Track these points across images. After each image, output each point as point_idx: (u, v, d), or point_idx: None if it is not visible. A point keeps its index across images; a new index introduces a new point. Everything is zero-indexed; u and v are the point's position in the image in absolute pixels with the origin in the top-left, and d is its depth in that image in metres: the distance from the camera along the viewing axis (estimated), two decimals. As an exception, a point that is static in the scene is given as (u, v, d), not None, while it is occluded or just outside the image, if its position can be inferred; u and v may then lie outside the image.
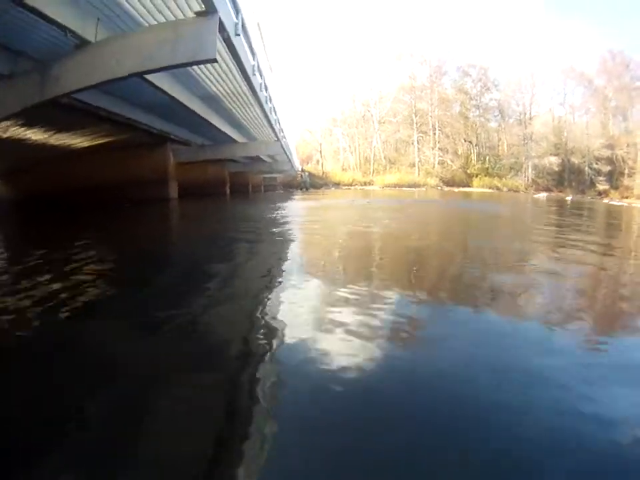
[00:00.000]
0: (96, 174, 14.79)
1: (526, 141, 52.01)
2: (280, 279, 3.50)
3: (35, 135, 11.36)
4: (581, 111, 52.84)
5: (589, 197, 42.40)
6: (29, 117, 8.84)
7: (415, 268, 4.22)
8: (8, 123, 8.75)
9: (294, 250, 5.23)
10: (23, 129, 10.39)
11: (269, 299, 2.88)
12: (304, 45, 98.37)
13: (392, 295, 2.91)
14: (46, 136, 11.77)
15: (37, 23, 5.80)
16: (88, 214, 11.56)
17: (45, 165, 14.42)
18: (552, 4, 74.39)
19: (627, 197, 41.63)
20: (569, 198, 35.54)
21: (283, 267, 4.03)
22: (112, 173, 15.04)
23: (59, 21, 5.59)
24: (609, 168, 48.45)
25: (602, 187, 47.80)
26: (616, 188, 46.78)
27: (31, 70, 6.78)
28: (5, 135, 10.29)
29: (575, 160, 50.31)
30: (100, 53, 6.77)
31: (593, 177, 49.39)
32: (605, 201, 36.92)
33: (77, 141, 13.46)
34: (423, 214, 11.88)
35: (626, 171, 47.34)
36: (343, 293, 2.90)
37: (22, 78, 6.76)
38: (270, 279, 3.59)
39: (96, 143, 14.02)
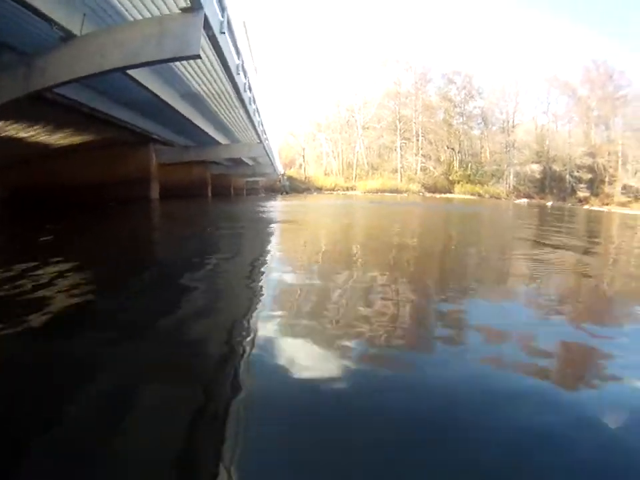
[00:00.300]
0: (79, 172, 14.61)
1: (508, 149, 53.10)
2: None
3: (18, 131, 11.22)
4: (563, 119, 54.02)
5: (569, 204, 43.66)
6: (13, 112, 8.72)
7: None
8: None
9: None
10: (6, 124, 10.22)
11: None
12: (289, 48, 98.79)
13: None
14: (30, 132, 11.61)
15: (23, 15, 5.79)
16: (71, 212, 11.40)
17: (29, 162, 14.18)
18: (538, 12, 76.87)
19: (607, 204, 42.95)
20: (549, 204, 36.75)
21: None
22: (94, 171, 14.87)
23: (46, 13, 5.60)
24: (590, 176, 49.55)
25: (582, 194, 48.81)
26: (596, 195, 47.93)
27: (16, 62, 6.74)
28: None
29: (557, 168, 51.51)
30: (85, 46, 6.78)
31: (574, 184, 50.44)
32: (585, 207, 38.16)
33: (60, 138, 13.28)
34: (404, 214, 12.12)
35: (607, 179, 48.43)
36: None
37: (7, 70, 6.71)
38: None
39: (79, 140, 13.87)
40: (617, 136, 48.95)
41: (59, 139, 13.18)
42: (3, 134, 11.03)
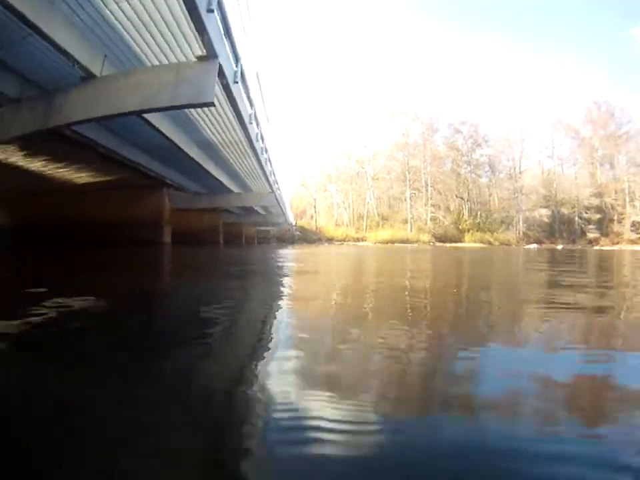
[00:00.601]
0: (91, 211, 15.06)
1: (516, 195, 53.59)
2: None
3: (34, 164, 11.67)
4: (569, 162, 55.00)
5: (579, 246, 43.08)
6: (31, 145, 9.13)
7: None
8: (10, 147, 9.00)
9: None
10: (23, 155, 10.64)
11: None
12: (301, 102, 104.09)
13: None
14: (46, 167, 12.11)
15: (47, 52, 6.23)
16: (77, 249, 11.51)
17: (41, 195, 14.65)
18: (539, 59, 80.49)
19: (617, 243, 42.30)
20: (559, 247, 36.32)
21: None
22: (107, 211, 15.29)
23: (69, 51, 6.01)
24: (598, 216, 49.55)
25: (592, 234, 48.55)
26: (606, 235, 47.61)
27: (37, 97, 7.15)
28: (5, 161, 10.51)
29: (565, 210, 51.64)
30: (104, 87, 7.18)
31: (583, 225, 50.37)
32: (596, 247, 37.51)
33: (75, 175, 13.85)
34: (414, 261, 11.90)
35: (615, 217, 48.41)
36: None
37: (28, 103, 7.11)
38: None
39: (94, 179, 14.39)
40: (622, 173, 49.50)
41: (74, 176, 13.72)
42: (19, 165, 11.44)
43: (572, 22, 71.53)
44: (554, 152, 55.56)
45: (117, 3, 6.01)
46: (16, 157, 10.69)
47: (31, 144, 8.38)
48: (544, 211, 52.04)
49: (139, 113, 8.38)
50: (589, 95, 72.95)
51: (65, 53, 6.01)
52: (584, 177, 52.56)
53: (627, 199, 48.18)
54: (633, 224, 46.04)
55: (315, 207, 58.08)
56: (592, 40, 69.09)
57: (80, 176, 14.06)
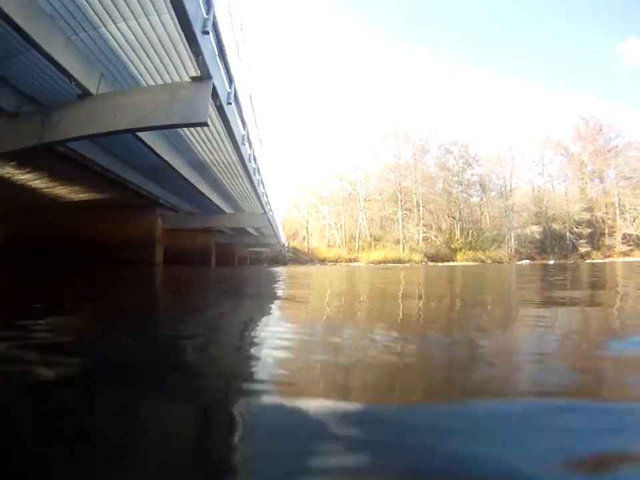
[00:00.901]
0: (82, 228, 15.01)
1: (507, 213, 54.31)
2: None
3: (27, 179, 11.64)
4: (559, 178, 55.80)
5: (571, 260, 43.39)
6: (26, 161, 9.16)
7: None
8: (3, 161, 9.02)
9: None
10: (17, 171, 10.64)
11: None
12: (293, 124, 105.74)
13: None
14: (38, 183, 12.09)
15: (47, 69, 6.38)
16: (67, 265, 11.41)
17: (33, 212, 14.56)
18: (525, 78, 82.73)
19: (609, 256, 42.65)
20: (551, 262, 36.69)
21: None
22: (99, 229, 15.26)
23: (67, 69, 6.15)
24: (589, 230, 50.23)
25: (584, 249, 49.08)
26: (598, 249, 48.16)
27: (34, 114, 7.26)
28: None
29: (556, 226, 52.29)
30: (100, 105, 7.32)
31: (574, 240, 50.95)
32: (588, 261, 37.84)
33: (68, 192, 13.80)
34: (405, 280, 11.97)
35: (606, 231, 49.03)
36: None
37: (25, 120, 7.21)
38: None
39: (86, 197, 14.38)
40: (612, 187, 50.10)
41: (67, 192, 13.71)
42: (12, 180, 11.42)
43: (559, 39, 74.05)
44: (544, 169, 56.61)
45: (115, 23, 6.21)
46: (8, 171, 10.69)
47: (26, 160, 8.43)
48: (535, 228, 52.71)
49: (133, 132, 8.52)
50: (577, 111, 74.78)
51: (63, 70, 6.15)
52: (574, 192, 53.52)
53: (618, 212, 48.87)
54: (624, 236, 46.76)
55: (307, 228, 58.35)
56: (579, 57, 71.31)
57: (73, 193, 14.06)
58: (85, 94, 7.04)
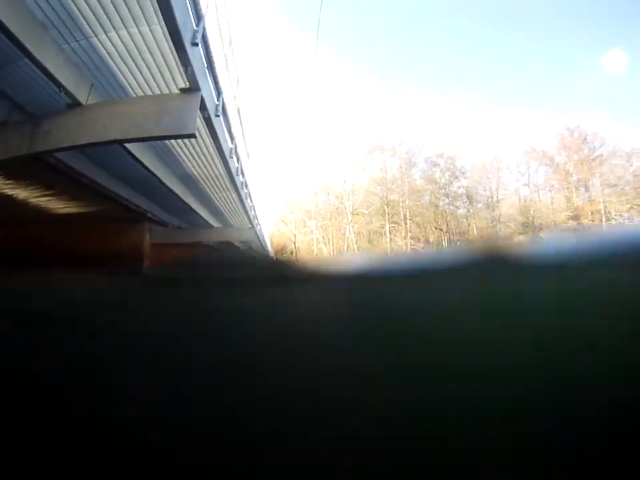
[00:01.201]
0: (68, 242, 14.68)
1: (494, 224, 54.70)
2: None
3: (13, 190, 11.48)
4: (545, 188, 55.64)
5: None
6: (13, 171, 9.05)
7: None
8: None
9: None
10: (4, 181, 10.51)
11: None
12: (280, 139, 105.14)
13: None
14: (25, 194, 11.90)
15: (37, 78, 6.41)
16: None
17: (18, 224, 14.30)
18: (509, 88, 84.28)
19: None
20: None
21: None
22: (86, 244, 14.98)
23: (57, 77, 6.19)
24: None
25: None
26: None
27: (24, 123, 7.24)
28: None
29: (543, 235, 52.67)
30: (89, 115, 7.33)
31: None
32: None
33: (56, 205, 13.61)
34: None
35: None
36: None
37: (14, 129, 7.18)
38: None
39: (73, 210, 14.18)
40: (598, 195, 50.44)
41: (53, 205, 13.53)
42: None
43: (543, 51, 75.90)
44: (530, 179, 56.74)
45: (106, 33, 6.31)
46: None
47: (11, 169, 8.36)
48: (522, 238, 53.18)
49: (122, 142, 8.51)
50: (562, 121, 76.13)
51: (53, 79, 6.19)
52: (560, 201, 53.70)
53: (604, 219, 49.48)
54: (611, 242, 47.42)
55: (295, 242, 58.22)
56: (563, 68, 72.91)
57: (57, 205, 13.90)
58: (74, 103, 7.07)
